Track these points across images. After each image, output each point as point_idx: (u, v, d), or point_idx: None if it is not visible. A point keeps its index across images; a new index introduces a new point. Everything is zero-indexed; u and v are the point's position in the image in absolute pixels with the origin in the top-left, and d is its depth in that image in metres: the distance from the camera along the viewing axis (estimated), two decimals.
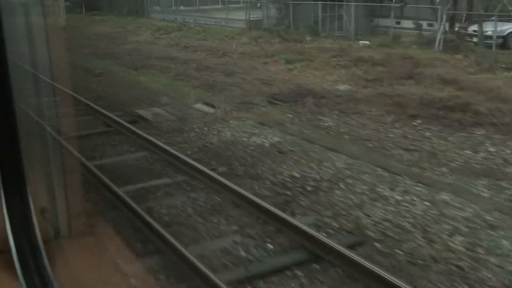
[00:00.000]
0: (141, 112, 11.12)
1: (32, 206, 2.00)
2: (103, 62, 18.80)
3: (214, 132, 9.56)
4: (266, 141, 8.86)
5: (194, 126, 10.00)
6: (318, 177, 7.20)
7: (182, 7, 40.84)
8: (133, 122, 10.48)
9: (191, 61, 18.17)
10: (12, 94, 1.92)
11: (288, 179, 7.16)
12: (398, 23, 26.17)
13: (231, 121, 10.21)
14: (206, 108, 11.28)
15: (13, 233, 1.92)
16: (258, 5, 43.85)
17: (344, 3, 26.61)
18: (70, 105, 12.45)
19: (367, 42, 21.02)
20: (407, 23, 26.13)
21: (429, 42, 19.37)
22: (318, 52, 18.67)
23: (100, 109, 11.31)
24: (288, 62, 17.04)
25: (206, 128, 9.80)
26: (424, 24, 24.26)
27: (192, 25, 31.62)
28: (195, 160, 8.03)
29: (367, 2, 26.96)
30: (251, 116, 10.58)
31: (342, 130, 9.59)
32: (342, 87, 13.22)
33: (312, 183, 7.01)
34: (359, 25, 25.49)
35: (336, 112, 10.89)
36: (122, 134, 9.72)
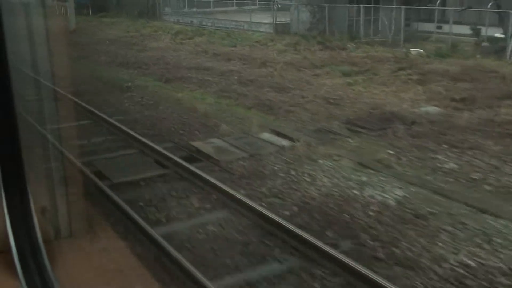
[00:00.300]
0: (198, 145, 8.82)
1: (32, 206, 1.99)
2: (127, 73, 16.49)
3: (306, 179, 7.26)
4: (388, 197, 6.56)
5: (275, 167, 7.71)
6: (505, 268, 4.92)
7: (195, 9, 38.58)
8: (192, 160, 8.18)
9: (229, 72, 15.88)
10: (12, 94, 1.87)
11: (462, 271, 4.88)
12: (439, 27, 24.02)
13: (320, 161, 7.92)
14: (280, 140, 8.98)
15: (14, 233, 1.90)
16: (275, 7, 41.72)
17: (381, 6, 24.44)
18: (103, 132, 10.17)
19: (420, 50, 18.75)
20: (448, 28, 24.03)
21: (496, 51, 17.11)
22: (373, 62, 16.41)
23: (142, 139, 9.03)
24: (344, 74, 14.77)
25: (293, 172, 7.50)
26: (467, 29, 22.21)
27: (211, 29, 29.37)
28: (300, 227, 5.76)
29: (406, 5, 24.80)
30: (342, 153, 8.29)
31: (473, 176, 7.30)
32: (430, 109, 10.94)
33: (502, 279, 4.73)
34: (397, 29, 23.30)
35: (444, 146, 8.61)
36: (184, 179, 7.42)
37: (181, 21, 35.78)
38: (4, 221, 1.93)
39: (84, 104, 11.89)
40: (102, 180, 7.33)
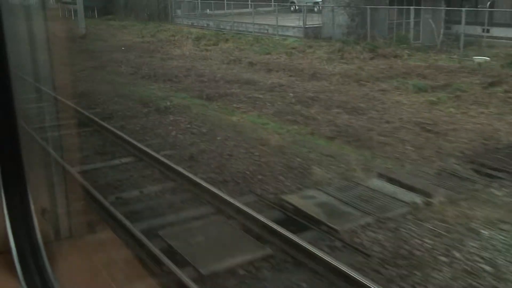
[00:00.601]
0: (294, 200, 6.50)
1: (32, 207, 1.98)
2: (157, 88, 14.19)
3: (486, 268, 4.95)
4: None
5: (426, 244, 5.39)
6: None
7: (208, 11, 36.32)
8: (297, 227, 5.85)
9: (279, 87, 13.57)
10: (13, 94, 1.87)
11: None
12: (487, 31, 21.83)
13: (484, 232, 5.60)
14: (402, 192, 6.66)
15: (14, 233, 1.91)
16: (292, 8, 39.53)
17: (423, 7, 22.20)
18: (156, 177, 7.82)
19: (486, 58, 16.50)
20: (498, 31, 21.92)
21: None
22: (442, 74, 14.18)
23: (213, 189, 6.74)
24: (420, 90, 12.50)
25: (458, 254, 5.19)
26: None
27: (232, 33, 27.11)
28: None
29: (450, 6, 22.63)
30: (502, 215, 5.97)
31: None
32: None
33: None
34: (445, 34, 21.07)
35: None
36: (302, 265, 5.09)
37: (195, 24, 33.53)
38: (4, 221, 1.88)
39: (118, 132, 9.59)
40: (181, 268, 5.02)
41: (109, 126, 10.02)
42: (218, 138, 9.23)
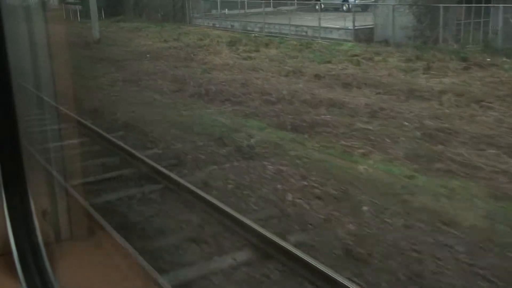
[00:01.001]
0: None
1: (33, 208, 1.96)
2: (219, 113, 11.00)
3: None
4: None
5: None
6: None
7: (226, 11, 33.17)
8: None
9: (380, 111, 10.37)
10: (13, 94, 1.85)
11: None
12: None
13: None
14: None
15: (14, 235, 1.89)
16: (317, 7, 36.39)
17: (493, 4, 19.10)
18: None
19: None
20: None
21: None
22: None
23: None
24: None
25: None
26: None
27: (264, 35, 23.98)
28: None
29: None
30: None
31: None
32: None
33: None
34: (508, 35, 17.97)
35: None
36: None
37: (217, 25, 30.39)
38: (5, 223, 1.86)
39: (202, 195, 6.41)
40: None
41: (185, 183, 6.84)
42: (364, 208, 6.06)
